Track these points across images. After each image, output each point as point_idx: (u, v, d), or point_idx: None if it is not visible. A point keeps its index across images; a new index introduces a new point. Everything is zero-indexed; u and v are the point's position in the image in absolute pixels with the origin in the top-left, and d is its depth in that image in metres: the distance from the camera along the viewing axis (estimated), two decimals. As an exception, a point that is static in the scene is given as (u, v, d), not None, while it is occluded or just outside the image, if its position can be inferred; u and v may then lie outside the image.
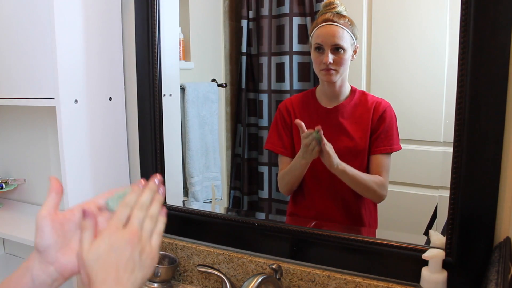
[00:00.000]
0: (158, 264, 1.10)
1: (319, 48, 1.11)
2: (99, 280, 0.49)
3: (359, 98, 1.14)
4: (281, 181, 1.23)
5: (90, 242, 0.52)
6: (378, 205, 1.15)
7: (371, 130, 1.11)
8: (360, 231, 1.14)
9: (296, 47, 1.37)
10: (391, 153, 1.11)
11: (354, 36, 1.12)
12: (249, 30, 1.45)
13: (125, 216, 0.55)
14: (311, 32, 1.15)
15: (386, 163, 1.11)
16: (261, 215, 1.57)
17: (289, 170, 1.16)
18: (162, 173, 1.17)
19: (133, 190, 0.58)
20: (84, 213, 0.54)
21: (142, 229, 0.55)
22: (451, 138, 0.81)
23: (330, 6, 1.12)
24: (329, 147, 1.04)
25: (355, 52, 1.13)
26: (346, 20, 1.11)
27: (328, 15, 1.11)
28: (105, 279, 0.49)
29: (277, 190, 1.41)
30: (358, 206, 1.13)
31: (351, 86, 1.15)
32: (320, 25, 1.12)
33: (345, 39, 1.10)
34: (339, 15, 1.11)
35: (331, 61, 1.08)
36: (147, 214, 0.58)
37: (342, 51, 1.10)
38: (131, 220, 0.54)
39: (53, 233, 0.56)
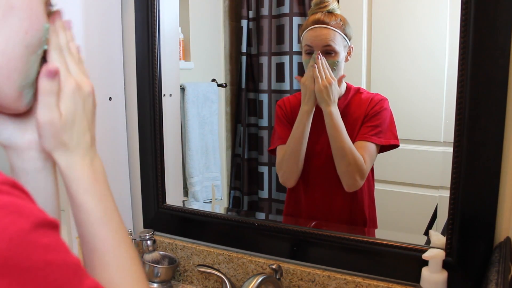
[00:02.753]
0: (158, 264, 1.10)
1: (310, 53, 1.07)
2: (74, 143, 0.48)
3: (354, 95, 1.12)
4: (281, 164, 1.16)
5: (56, 106, 0.47)
6: (378, 205, 1.15)
7: (361, 122, 1.08)
8: (360, 231, 1.14)
9: (296, 47, 1.37)
10: (377, 144, 1.07)
11: (347, 37, 1.08)
12: (249, 30, 1.45)
13: (64, 64, 0.49)
14: (301, 34, 1.11)
15: (370, 150, 1.06)
16: (261, 215, 1.57)
17: (290, 138, 1.11)
18: (162, 173, 1.17)
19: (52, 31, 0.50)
20: (50, 73, 0.46)
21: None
22: (451, 138, 0.81)
23: (321, 5, 1.07)
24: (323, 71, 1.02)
25: (349, 53, 1.09)
26: (338, 20, 1.07)
27: (318, 15, 1.07)
28: (80, 141, 0.49)
29: (277, 190, 1.41)
30: (358, 201, 1.12)
31: (346, 84, 1.13)
32: (310, 27, 1.07)
33: (337, 42, 1.06)
34: (331, 14, 1.07)
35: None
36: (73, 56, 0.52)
37: (333, 54, 1.06)
38: (72, 69, 0.50)
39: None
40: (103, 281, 0.46)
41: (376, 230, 1.16)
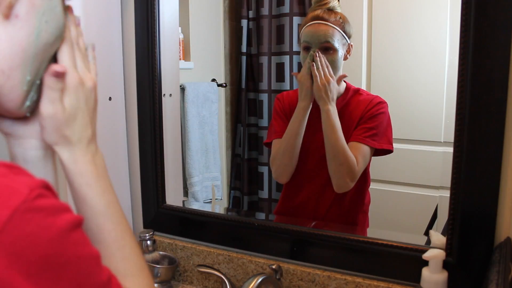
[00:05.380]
0: (158, 264, 1.10)
1: (308, 48, 1.06)
2: (77, 137, 0.49)
3: (353, 96, 1.10)
4: (274, 159, 1.15)
5: (60, 100, 0.48)
6: (379, 205, 1.15)
7: (357, 123, 1.07)
8: (360, 231, 1.14)
9: (296, 47, 1.37)
10: (371, 147, 1.05)
11: (346, 34, 1.06)
12: (249, 30, 1.45)
13: (73, 59, 0.50)
14: (300, 31, 1.10)
15: (363, 152, 1.05)
16: (261, 215, 1.57)
17: (286, 134, 1.10)
18: (162, 173, 1.17)
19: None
20: (57, 74, 0.47)
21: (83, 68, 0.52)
22: (451, 138, 0.80)
23: (321, 2, 1.06)
24: (320, 69, 1.02)
25: (348, 51, 1.08)
26: (338, 18, 1.05)
27: (318, 12, 1.05)
28: (82, 135, 0.49)
29: (277, 190, 1.42)
30: (350, 201, 1.11)
31: (346, 84, 1.12)
32: (309, 23, 1.06)
33: (336, 39, 1.04)
34: (331, 12, 1.05)
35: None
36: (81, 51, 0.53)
37: (332, 51, 1.05)
38: (79, 64, 0.50)
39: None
40: None
41: (376, 230, 1.16)
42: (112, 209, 0.51)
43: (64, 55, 0.49)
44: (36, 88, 0.47)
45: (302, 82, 1.07)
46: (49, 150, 0.52)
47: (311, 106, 1.07)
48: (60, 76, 0.47)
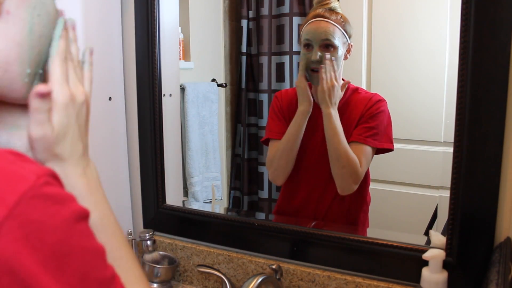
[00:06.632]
0: (158, 264, 1.10)
1: (308, 45, 1.06)
2: (67, 154, 0.48)
3: (352, 95, 1.11)
4: (271, 162, 1.15)
5: (48, 121, 0.47)
6: (379, 205, 1.15)
7: (357, 122, 1.07)
8: (360, 231, 1.14)
9: (296, 47, 1.37)
10: (372, 147, 1.05)
11: (347, 34, 1.07)
12: (249, 30, 1.45)
13: (64, 74, 0.49)
14: (301, 29, 1.10)
15: (366, 152, 1.05)
16: (261, 215, 1.57)
17: (284, 137, 1.10)
18: (162, 173, 1.17)
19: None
20: (42, 95, 0.45)
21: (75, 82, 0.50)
22: (451, 138, 0.80)
23: (323, 2, 1.07)
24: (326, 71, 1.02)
25: (348, 51, 1.08)
26: (339, 17, 1.06)
27: (319, 11, 1.06)
28: (72, 151, 0.49)
29: (277, 190, 1.41)
30: (349, 201, 1.11)
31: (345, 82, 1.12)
32: (310, 20, 1.07)
33: (336, 36, 1.04)
34: (332, 11, 1.06)
35: (319, 59, 1.04)
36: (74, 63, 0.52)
37: (332, 49, 1.05)
38: (71, 77, 0.49)
39: None
40: None
41: (376, 230, 1.16)
42: (105, 221, 0.50)
43: (55, 70, 0.48)
44: (40, 77, 0.47)
45: (299, 86, 1.08)
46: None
47: (311, 110, 1.08)
48: (46, 96, 0.46)
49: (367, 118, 1.07)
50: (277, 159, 1.13)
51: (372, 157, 1.07)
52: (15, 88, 0.46)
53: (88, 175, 0.51)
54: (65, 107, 0.48)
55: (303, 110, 1.07)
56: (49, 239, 0.34)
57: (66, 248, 0.35)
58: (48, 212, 0.34)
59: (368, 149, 1.05)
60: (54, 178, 0.37)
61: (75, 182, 0.49)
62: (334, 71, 1.04)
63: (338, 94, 1.06)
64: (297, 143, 1.10)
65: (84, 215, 0.37)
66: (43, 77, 0.48)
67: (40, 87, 0.46)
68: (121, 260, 0.50)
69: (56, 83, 0.48)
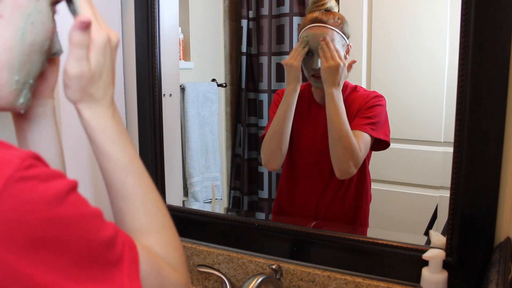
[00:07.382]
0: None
1: (307, 52, 1.06)
2: (100, 95, 0.49)
3: (350, 93, 1.10)
4: (263, 145, 1.13)
5: (87, 59, 0.47)
6: (379, 205, 1.15)
7: (355, 115, 1.06)
8: (360, 231, 1.14)
9: (296, 47, 1.36)
10: (371, 136, 1.04)
11: (345, 35, 1.06)
12: (249, 30, 1.45)
13: (95, 16, 0.49)
14: (299, 33, 1.09)
15: (364, 139, 1.03)
16: (261, 215, 1.57)
17: (274, 119, 1.09)
18: (162, 173, 1.17)
19: None
20: (83, 25, 0.45)
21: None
22: (451, 138, 0.81)
23: (318, 3, 1.06)
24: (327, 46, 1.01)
25: (347, 52, 1.08)
26: (336, 19, 1.05)
27: (316, 14, 1.05)
28: (105, 93, 0.49)
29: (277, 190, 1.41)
30: (349, 199, 1.11)
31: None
32: (308, 26, 1.06)
33: (335, 41, 1.04)
34: (329, 12, 1.05)
35: (320, 66, 1.02)
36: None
37: None
38: (101, 21, 0.49)
39: None
40: (132, 226, 0.49)
41: (376, 230, 1.16)
42: (134, 163, 0.51)
43: (86, 10, 0.47)
44: (30, 87, 0.47)
45: (288, 64, 1.06)
46: (48, 106, 0.53)
47: (299, 88, 1.06)
48: (87, 27, 0.45)
49: (365, 110, 1.06)
50: (268, 141, 1.12)
51: (369, 147, 1.05)
52: (1, 95, 0.45)
53: (117, 118, 0.51)
54: (103, 47, 0.48)
55: (291, 89, 1.06)
56: (45, 215, 0.34)
57: (64, 220, 0.35)
58: (37, 190, 0.34)
59: (367, 137, 1.04)
60: (38, 160, 0.37)
61: (106, 124, 0.49)
62: (338, 51, 1.02)
63: (344, 74, 1.03)
64: (286, 124, 1.08)
65: (73, 186, 0.38)
66: (34, 88, 0.47)
67: (81, 17, 0.45)
68: (148, 204, 0.51)
69: (93, 22, 0.47)
